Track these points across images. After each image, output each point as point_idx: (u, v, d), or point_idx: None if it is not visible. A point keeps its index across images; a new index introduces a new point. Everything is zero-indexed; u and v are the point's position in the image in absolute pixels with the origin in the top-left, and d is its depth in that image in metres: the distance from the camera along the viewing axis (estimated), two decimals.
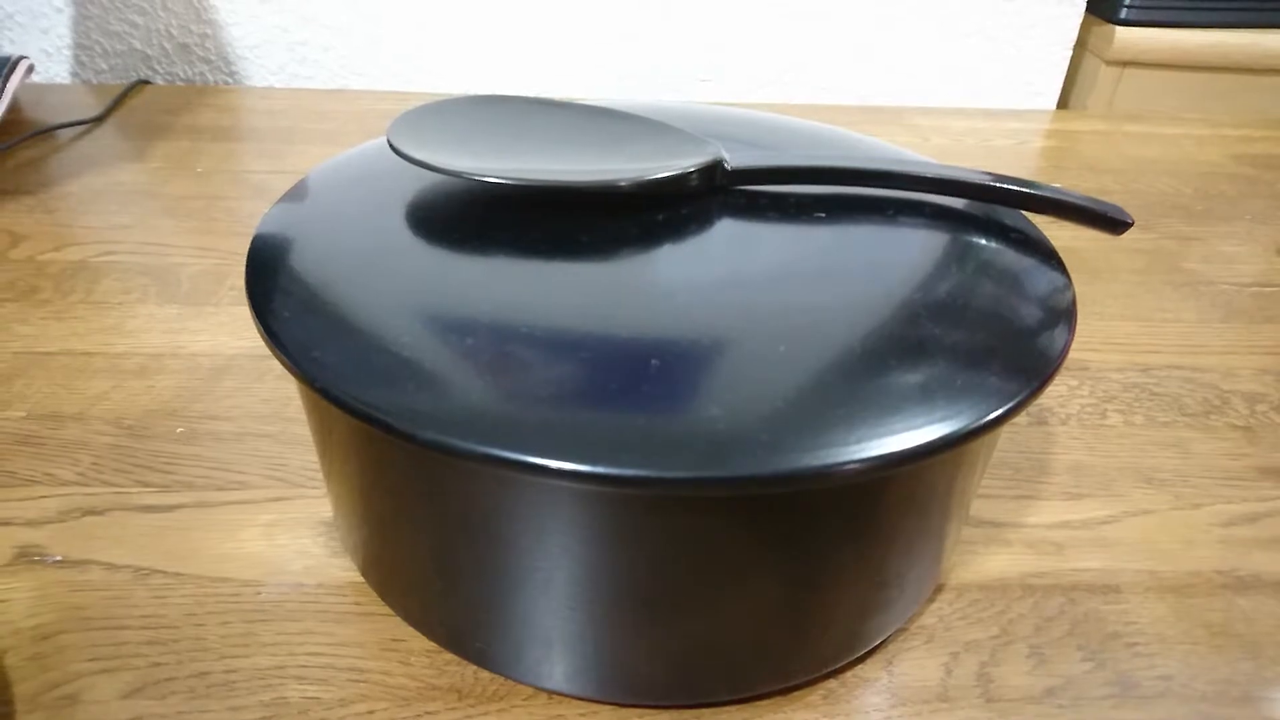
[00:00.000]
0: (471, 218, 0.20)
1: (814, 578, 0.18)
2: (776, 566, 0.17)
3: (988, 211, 0.22)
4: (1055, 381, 0.31)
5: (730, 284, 0.18)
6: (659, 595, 0.17)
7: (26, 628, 0.21)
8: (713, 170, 0.21)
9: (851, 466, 0.15)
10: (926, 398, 0.16)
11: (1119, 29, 0.62)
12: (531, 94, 0.53)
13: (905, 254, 0.20)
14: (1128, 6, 0.62)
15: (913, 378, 0.17)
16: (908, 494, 0.18)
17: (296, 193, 0.22)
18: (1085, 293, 0.37)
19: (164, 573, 0.22)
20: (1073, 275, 0.38)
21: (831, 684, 0.20)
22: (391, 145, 0.20)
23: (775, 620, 0.18)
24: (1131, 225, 0.22)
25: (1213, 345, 0.34)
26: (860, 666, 0.20)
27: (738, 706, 0.19)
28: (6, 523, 0.23)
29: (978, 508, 0.25)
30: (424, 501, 0.17)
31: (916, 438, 0.15)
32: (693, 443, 0.15)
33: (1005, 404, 0.16)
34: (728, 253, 0.20)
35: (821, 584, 0.18)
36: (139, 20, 0.58)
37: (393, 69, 0.59)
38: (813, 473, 0.15)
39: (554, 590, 0.17)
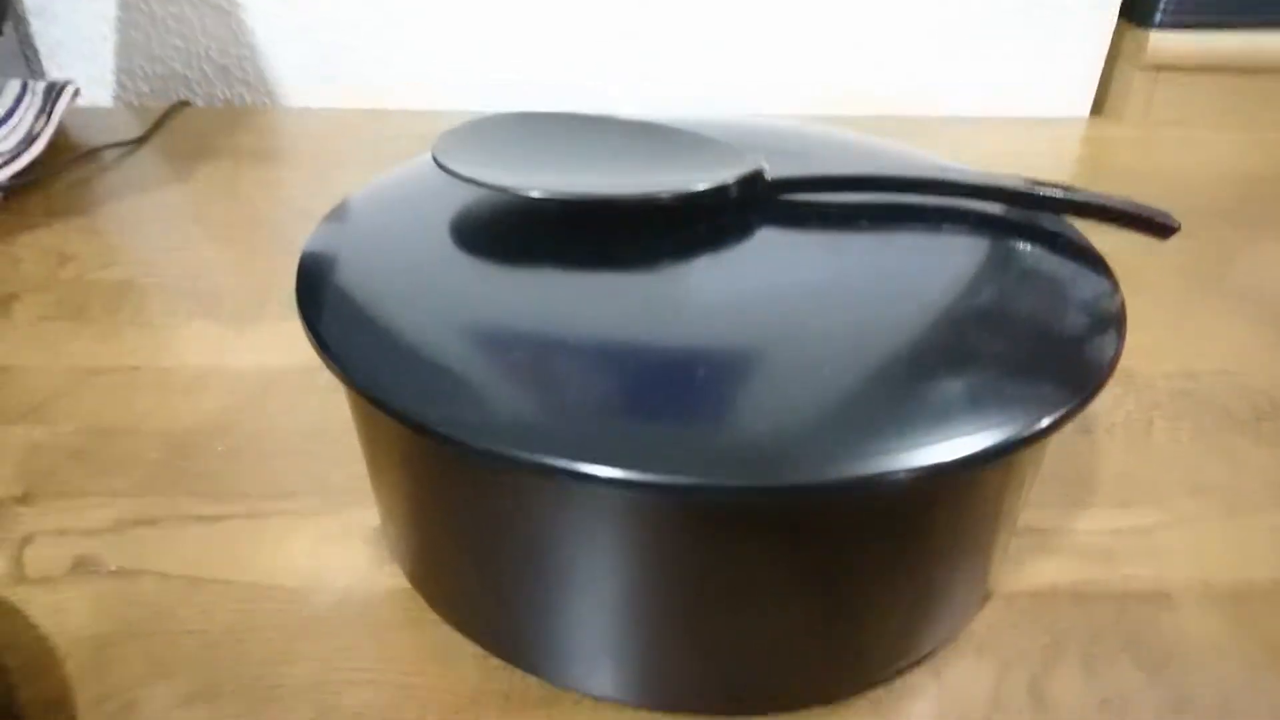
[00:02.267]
0: (516, 232, 0.20)
1: (862, 588, 0.18)
2: (823, 576, 0.17)
3: (1032, 218, 0.22)
4: (1101, 392, 0.30)
5: (774, 295, 0.18)
6: (705, 604, 0.17)
7: (85, 636, 0.21)
8: (753, 181, 0.21)
9: (900, 476, 0.15)
10: (976, 407, 0.16)
11: (1153, 33, 0.61)
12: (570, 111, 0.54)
13: (950, 262, 0.20)
14: (1162, 10, 0.61)
15: (961, 387, 0.16)
16: (957, 504, 0.18)
17: (342, 211, 0.22)
18: (1128, 301, 0.36)
19: (216, 582, 0.22)
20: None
21: (879, 693, 0.20)
22: (437, 161, 0.21)
23: (822, 630, 0.18)
24: (1178, 229, 0.21)
25: (1260, 353, 0.33)
26: (910, 675, 0.20)
27: (783, 716, 0.19)
28: (63, 532, 0.24)
29: (1028, 515, 0.25)
30: (474, 510, 0.18)
31: (966, 447, 0.15)
32: (742, 452, 0.15)
33: (1055, 413, 0.16)
34: (771, 264, 0.20)
35: (870, 594, 0.18)
36: (180, 44, 0.59)
37: (426, 90, 0.60)
38: (860, 482, 0.15)
39: (601, 599, 0.17)
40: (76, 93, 0.52)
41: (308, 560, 0.23)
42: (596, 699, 0.20)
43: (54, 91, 0.52)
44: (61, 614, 0.22)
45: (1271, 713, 0.20)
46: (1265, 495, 0.26)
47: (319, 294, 0.19)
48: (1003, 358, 0.17)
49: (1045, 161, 0.51)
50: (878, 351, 0.17)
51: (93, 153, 0.49)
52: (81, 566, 0.23)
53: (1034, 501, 0.25)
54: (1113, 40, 0.61)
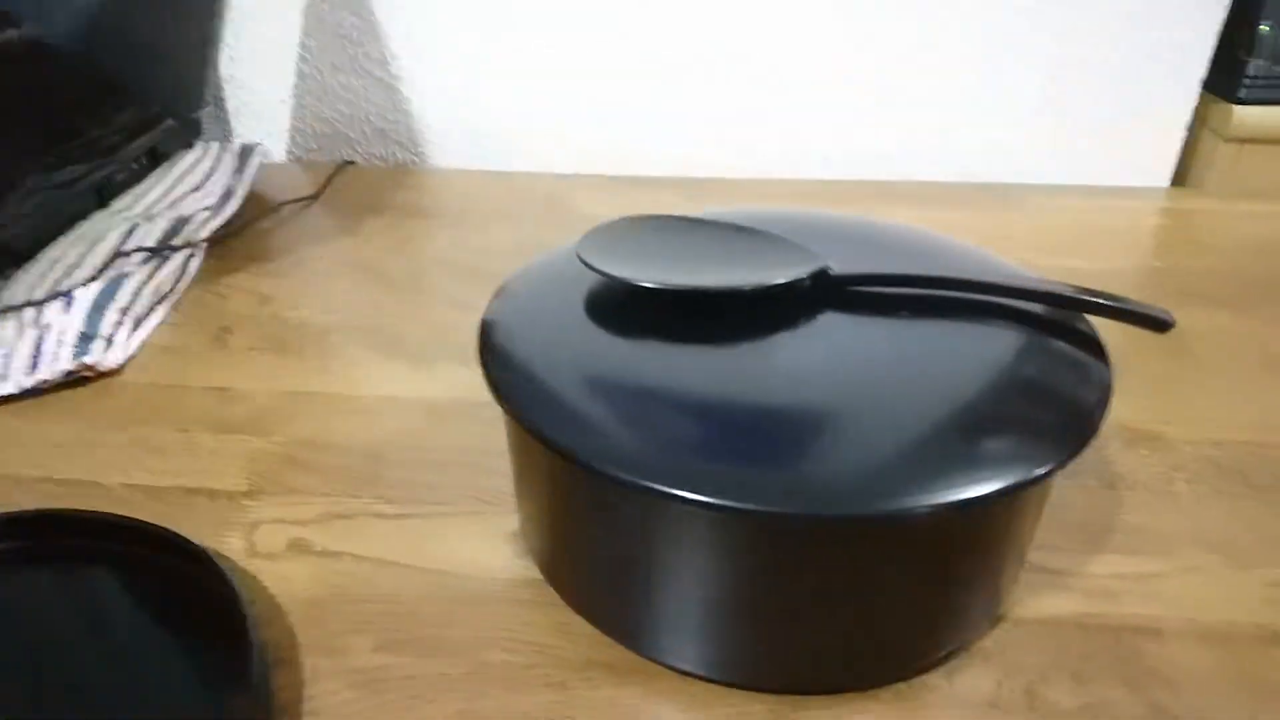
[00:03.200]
0: (638, 313, 0.27)
1: (892, 600, 0.23)
2: (864, 589, 0.23)
3: (1050, 312, 0.27)
4: (1127, 451, 0.35)
5: (833, 367, 0.24)
6: (771, 605, 0.23)
7: (303, 598, 0.29)
8: (820, 276, 0.27)
9: (924, 510, 0.20)
10: (986, 459, 0.21)
11: (1237, 108, 0.64)
12: (675, 178, 0.61)
13: (976, 347, 0.25)
14: (1247, 86, 0.64)
15: (977, 444, 0.22)
16: (970, 535, 0.23)
17: (507, 289, 0.29)
18: (1170, 370, 0.40)
19: (398, 564, 0.30)
20: (1161, 353, 0.42)
21: (901, 687, 0.25)
22: (580, 257, 0.27)
23: (860, 631, 0.24)
24: (1173, 326, 0.26)
25: None
26: (926, 676, 0.26)
27: (826, 696, 0.25)
28: (281, 520, 0.32)
29: (1043, 557, 0.30)
30: (595, 520, 0.24)
31: (977, 489, 0.21)
32: (806, 488, 0.21)
33: (1042, 468, 0.21)
34: (832, 342, 0.26)
35: (898, 605, 0.24)
36: (345, 110, 0.69)
37: (554, 153, 0.68)
38: (893, 515, 0.20)
39: (690, 595, 0.24)
40: (265, 155, 0.63)
41: (465, 551, 0.30)
42: (682, 673, 0.26)
43: (246, 153, 0.62)
44: (285, 581, 0.29)
45: None
46: (1267, 553, 0.30)
47: (493, 351, 0.26)
48: (1008, 426, 0.23)
49: (1118, 231, 0.55)
50: (916, 415, 0.23)
51: (277, 208, 0.58)
52: (295, 547, 0.31)
53: (1051, 545, 0.30)
54: (1198, 112, 0.64)
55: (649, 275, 0.27)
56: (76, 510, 0.29)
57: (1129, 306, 0.26)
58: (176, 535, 0.28)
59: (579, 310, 0.27)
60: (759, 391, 0.24)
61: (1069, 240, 0.54)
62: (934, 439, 0.22)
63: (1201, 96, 0.64)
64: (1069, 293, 0.27)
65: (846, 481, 0.21)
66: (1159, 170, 0.64)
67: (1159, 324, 0.26)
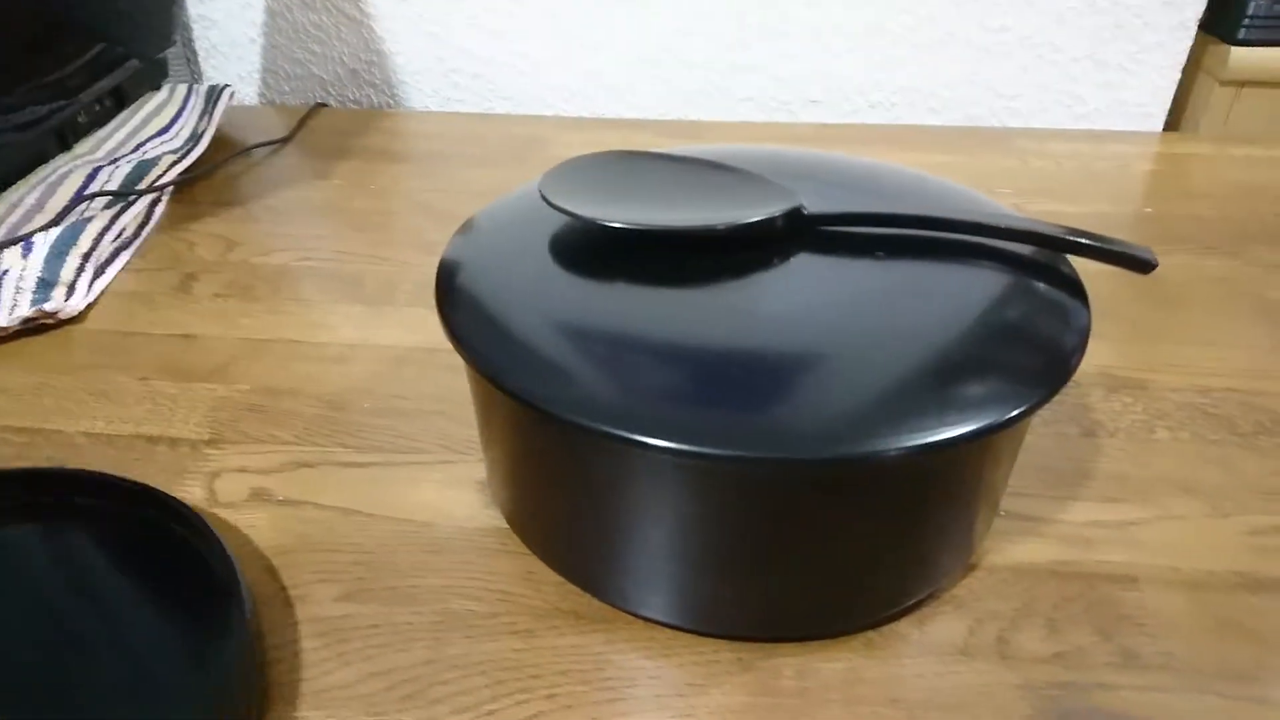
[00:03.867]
0: (603, 253, 0.26)
1: (859, 545, 0.23)
2: (830, 534, 0.22)
3: (1032, 253, 0.26)
4: (1110, 398, 0.34)
5: (806, 310, 0.23)
6: (737, 551, 0.23)
7: (266, 547, 0.28)
8: (794, 215, 0.26)
9: (893, 453, 0.20)
10: (955, 405, 0.21)
11: (1234, 49, 0.62)
12: (654, 119, 0.59)
13: (949, 290, 0.24)
14: (1246, 26, 0.62)
15: (946, 390, 0.21)
16: (938, 479, 0.23)
17: (468, 228, 0.28)
18: (1157, 316, 0.40)
19: (361, 513, 0.29)
20: (1148, 300, 0.41)
21: (871, 634, 0.25)
22: (543, 195, 0.26)
23: (829, 578, 0.23)
24: (1156, 266, 0.25)
25: (1277, 372, 0.36)
26: (897, 623, 0.25)
27: (795, 644, 0.24)
28: (243, 469, 0.31)
29: (1019, 504, 0.29)
30: (559, 468, 0.23)
31: (945, 433, 0.20)
32: (771, 432, 0.20)
33: (1013, 410, 0.21)
34: (805, 284, 0.25)
35: (865, 551, 0.23)
36: (318, 49, 0.67)
37: (531, 93, 0.66)
38: (851, 460, 0.20)
39: (656, 542, 0.23)
40: (232, 95, 0.60)
41: (432, 500, 0.29)
42: (646, 620, 0.25)
43: (214, 95, 0.60)
44: (247, 530, 0.29)
45: (1208, 666, 0.24)
46: (1248, 500, 0.30)
47: (452, 295, 0.25)
48: (980, 370, 0.22)
49: (1110, 176, 0.54)
50: (886, 358, 0.22)
51: (246, 150, 0.57)
52: (257, 496, 0.30)
53: (1027, 492, 0.29)
54: (1193, 55, 0.62)
55: (614, 214, 0.26)
56: (57, 468, 0.28)
57: (1111, 246, 0.25)
58: (155, 490, 0.27)
59: (542, 250, 0.26)
60: (725, 335, 0.23)
61: (1057, 184, 0.52)
62: (904, 382, 0.21)
63: (1198, 38, 0.62)
64: (1050, 231, 0.26)
65: (814, 425, 0.20)
66: (1153, 114, 0.63)
67: (1142, 264, 0.25)
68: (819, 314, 0.23)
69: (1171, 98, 0.63)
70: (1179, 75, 0.62)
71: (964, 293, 0.24)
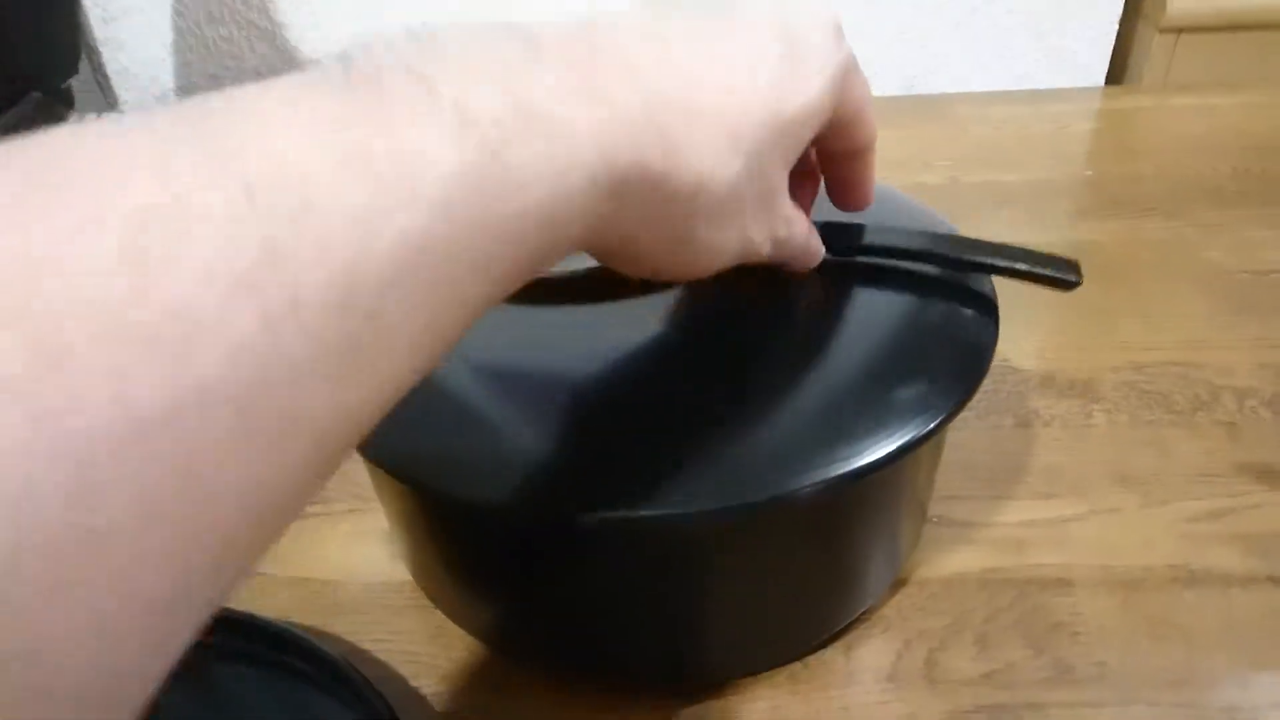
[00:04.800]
0: None
1: (780, 583, 0.22)
2: (748, 577, 0.21)
3: (943, 273, 0.24)
4: (1045, 384, 0.33)
5: (686, 349, 0.22)
6: (648, 607, 0.21)
7: None
8: None
9: (803, 492, 0.18)
10: (858, 432, 0.19)
11: None
12: None
13: (846, 312, 0.23)
14: None
15: (850, 416, 0.20)
16: (855, 506, 0.21)
17: None
18: (1095, 291, 0.38)
19: (264, 574, 0.28)
20: (1087, 273, 0.39)
21: (796, 667, 0.24)
22: None
23: (747, 619, 0.22)
24: (1079, 284, 0.23)
25: (1216, 340, 0.35)
26: (823, 651, 0.24)
27: (713, 689, 0.23)
28: None
29: (949, 508, 0.28)
30: (447, 538, 0.22)
31: (849, 465, 0.19)
32: (661, 488, 0.18)
33: (914, 434, 0.19)
34: (681, 320, 0.23)
35: (787, 587, 0.22)
36: (231, 64, 0.65)
37: None
38: (763, 504, 0.18)
39: (561, 602, 0.22)
40: None
41: (338, 556, 0.28)
42: (561, 679, 0.24)
43: None
44: None
45: (1142, 678, 0.23)
46: (1184, 486, 0.29)
47: None
48: (890, 383, 0.20)
49: (1049, 139, 0.52)
50: (782, 392, 0.20)
51: None
52: None
53: (958, 494, 0.28)
54: (1131, 4, 0.61)
55: None
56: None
57: (1031, 268, 0.24)
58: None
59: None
60: (601, 385, 0.21)
61: (998, 152, 0.51)
62: (803, 414, 0.20)
63: None
64: (973, 257, 0.24)
65: (711, 476, 0.19)
66: (1093, 67, 0.61)
67: (1062, 284, 0.24)
68: (698, 353, 0.22)
69: (1111, 47, 0.61)
70: (1115, 27, 0.60)
71: (861, 312, 0.23)
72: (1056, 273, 0.23)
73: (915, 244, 0.24)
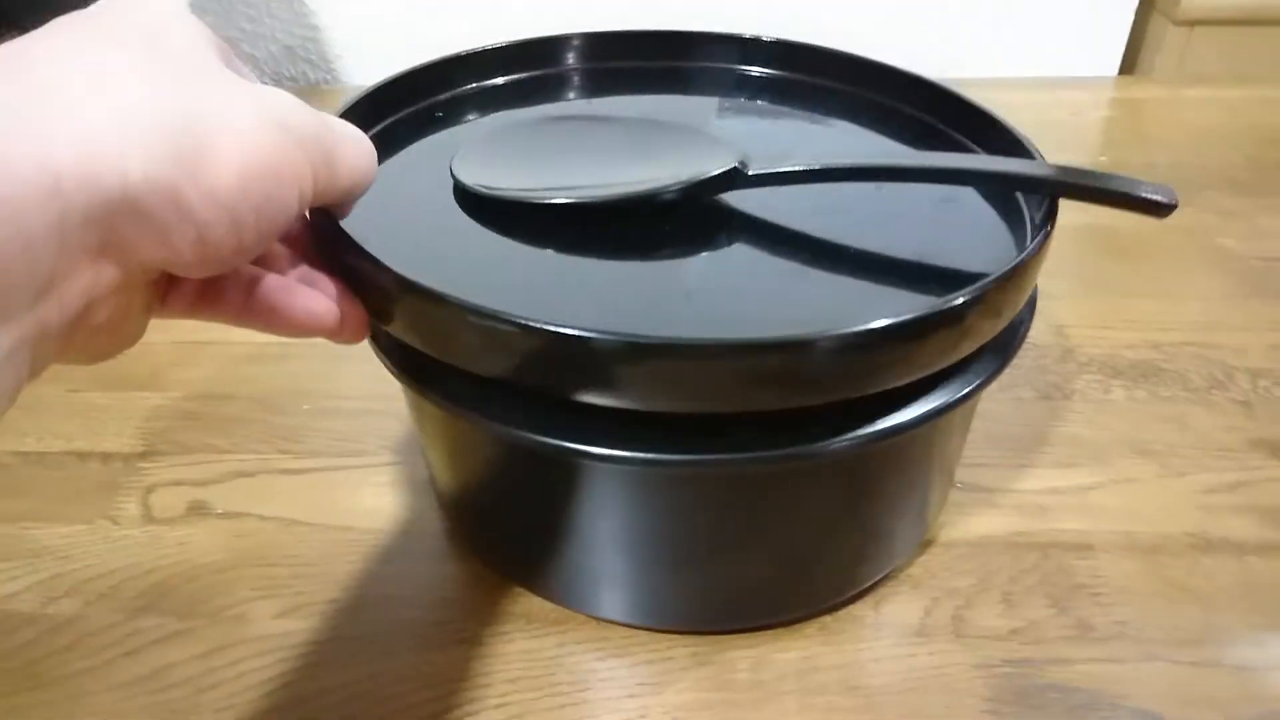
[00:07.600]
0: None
1: (814, 532, 0.22)
2: (780, 521, 0.22)
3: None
4: (1065, 359, 0.34)
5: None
6: (689, 545, 0.22)
7: (204, 564, 0.27)
8: (732, 174, 0.24)
9: (837, 446, 0.19)
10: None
11: None
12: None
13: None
14: None
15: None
16: (890, 461, 0.22)
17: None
18: (1113, 271, 0.39)
19: (303, 523, 0.28)
20: (1103, 255, 0.40)
21: (826, 619, 0.24)
22: (454, 177, 0.24)
23: (784, 567, 0.23)
24: (1175, 208, 0.23)
25: (1230, 322, 0.36)
26: (852, 606, 0.25)
27: (747, 635, 0.24)
28: (179, 483, 0.30)
29: (975, 475, 0.29)
30: (496, 473, 0.23)
31: (888, 421, 0.19)
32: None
33: (961, 392, 0.20)
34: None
35: (817, 535, 0.22)
36: (248, 26, 0.64)
37: None
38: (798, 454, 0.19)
39: (604, 540, 0.22)
40: None
41: (375, 505, 0.28)
42: (599, 620, 0.25)
43: None
44: (184, 547, 0.28)
45: (1161, 636, 0.24)
46: (1201, 458, 0.29)
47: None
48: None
49: (1064, 125, 0.53)
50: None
51: None
52: (195, 510, 0.29)
53: (985, 462, 0.29)
54: None
55: (541, 188, 0.24)
56: None
57: (1119, 188, 0.23)
58: None
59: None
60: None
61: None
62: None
63: None
64: (1040, 173, 0.24)
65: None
66: (1107, 57, 0.62)
67: (1157, 207, 0.23)
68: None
69: (1126, 39, 0.62)
70: (1131, 17, 0.61)
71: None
72: (1154, 195, 0.23)
73: (1026, 171, 0.24)
